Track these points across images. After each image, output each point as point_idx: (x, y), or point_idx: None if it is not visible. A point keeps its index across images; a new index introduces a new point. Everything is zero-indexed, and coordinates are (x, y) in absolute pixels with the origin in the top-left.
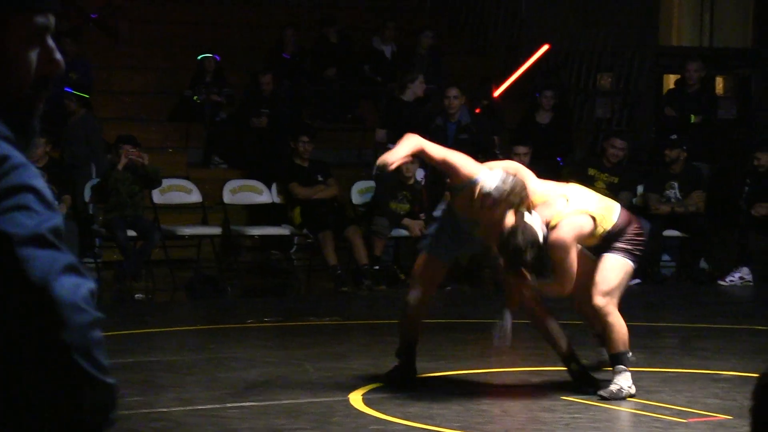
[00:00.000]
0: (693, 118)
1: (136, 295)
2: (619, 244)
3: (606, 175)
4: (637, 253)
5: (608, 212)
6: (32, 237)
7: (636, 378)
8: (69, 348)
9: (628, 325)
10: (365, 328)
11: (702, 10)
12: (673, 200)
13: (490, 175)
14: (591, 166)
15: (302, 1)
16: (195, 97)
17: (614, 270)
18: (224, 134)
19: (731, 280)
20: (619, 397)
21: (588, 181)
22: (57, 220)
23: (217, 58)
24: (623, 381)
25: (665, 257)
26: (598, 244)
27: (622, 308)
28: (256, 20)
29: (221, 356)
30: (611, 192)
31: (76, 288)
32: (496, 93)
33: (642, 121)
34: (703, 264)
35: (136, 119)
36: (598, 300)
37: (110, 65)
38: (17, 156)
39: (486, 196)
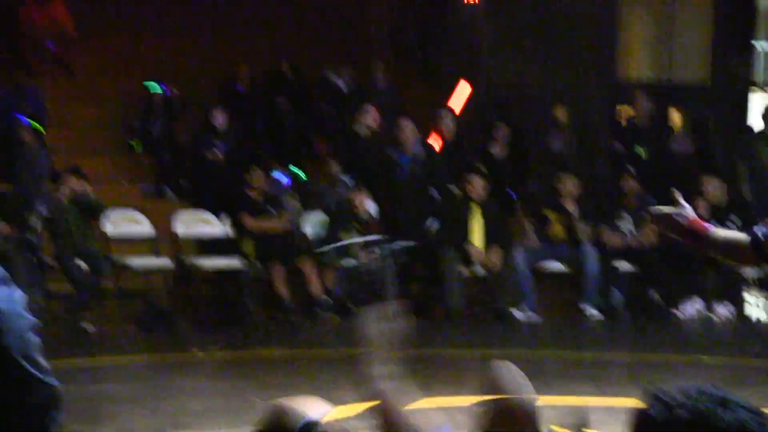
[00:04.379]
0: (642, 152)
1: (86, 326)
2: None
3: (562, 216)
4: None
5: None
6: None
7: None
8: (8, 349)
9: (578, 358)
10: (313, 359)
11: (660, 44)
12: (626, 232)
13: None
14: (547, 208)
15: (256, 34)
16: (132, 142)
17: None
18: (177, 166)
19: (689, 313)
20: None
21: (545, 223)
22: None
23: (167, 92)
24: None
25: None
26: None
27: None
28: (210, 53)
29: (166, 387)
30: (569, 228)
31: (11, 296)
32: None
33: (597, 155)
34: (653, 295)
35: (86, 150)
36: None
37: (62, 96)
38: None
39: None
